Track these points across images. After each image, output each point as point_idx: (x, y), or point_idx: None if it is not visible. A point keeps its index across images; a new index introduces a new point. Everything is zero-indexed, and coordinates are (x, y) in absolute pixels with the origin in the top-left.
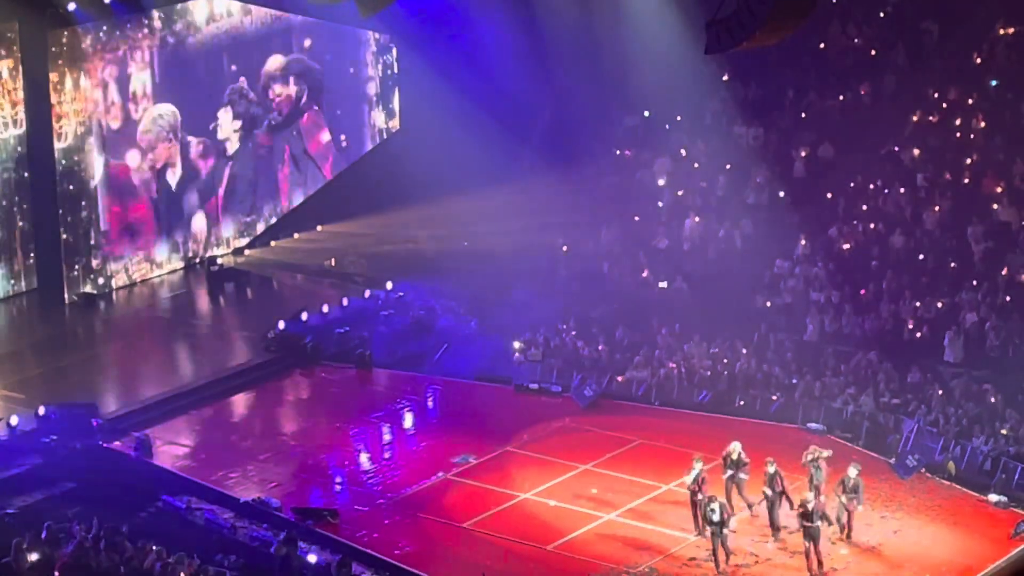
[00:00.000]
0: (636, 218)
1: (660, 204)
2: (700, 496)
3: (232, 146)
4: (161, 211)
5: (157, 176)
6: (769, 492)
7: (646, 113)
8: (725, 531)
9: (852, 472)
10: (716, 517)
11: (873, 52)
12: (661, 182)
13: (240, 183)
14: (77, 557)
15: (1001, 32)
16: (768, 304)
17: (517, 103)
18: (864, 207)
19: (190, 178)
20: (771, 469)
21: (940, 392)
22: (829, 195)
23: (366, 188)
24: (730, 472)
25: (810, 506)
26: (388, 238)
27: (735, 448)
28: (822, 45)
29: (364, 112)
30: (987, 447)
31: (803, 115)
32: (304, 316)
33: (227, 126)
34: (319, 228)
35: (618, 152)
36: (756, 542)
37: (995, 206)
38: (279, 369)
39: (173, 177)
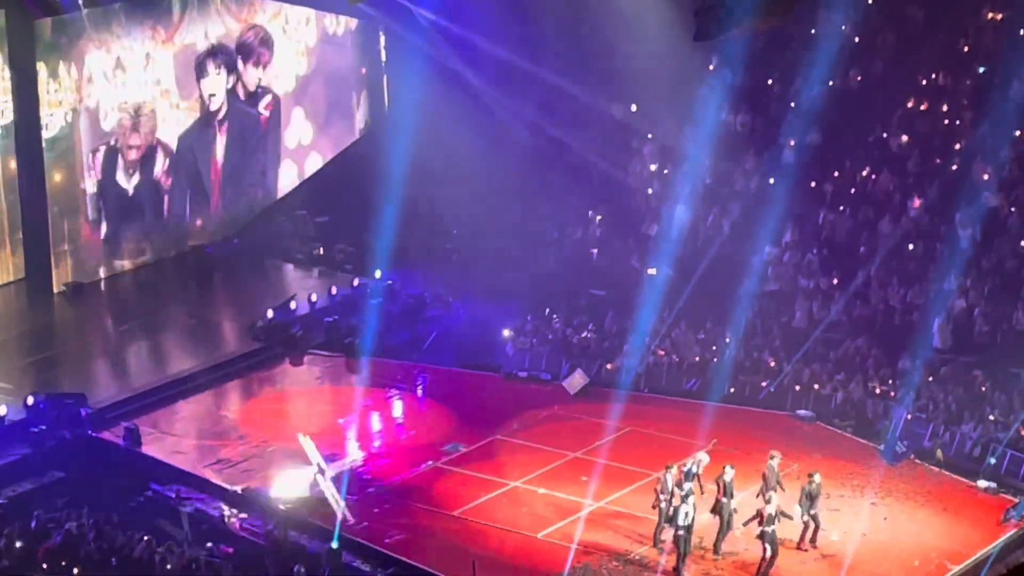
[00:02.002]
0: (624, 205)
1: (649, 191)
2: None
3: (221, 133)
4: (148, 199)
5: (144, 163)
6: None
7: (634, 108)
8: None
9: (816, 478)
10: (685, 520)
11: (859, 39)
12: (651, 167)
13: (229, 170)
14: (66, 546)
15: (988, 17)
16: (757, 291)
17: (505, 90)
18: (852, 193)
19: (178, 166)
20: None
21: (929, 378)
22: (817, 182)
23: (353, 176)
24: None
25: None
26: (377, 227)
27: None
28: (812, 31)
29: (352, 100)
30: (976, 433)
31: (791, 103)
32: (293, 305)
33: (218, 96)
34: (306, 215)
35: (606, 139)
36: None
37: (984, 192)
38: (268, 358)
39: (160, 165)
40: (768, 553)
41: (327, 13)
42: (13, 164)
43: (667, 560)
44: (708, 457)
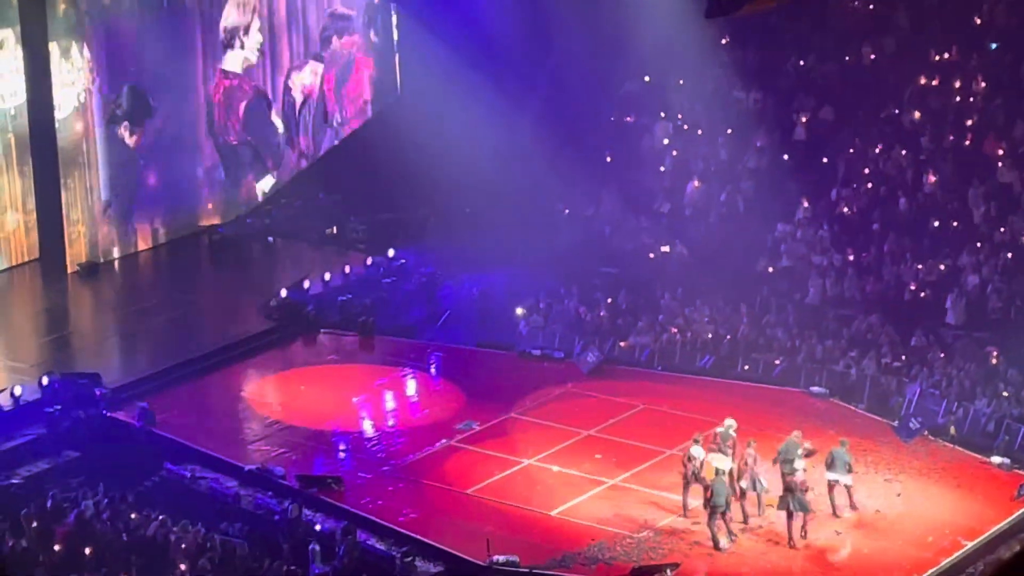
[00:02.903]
0: (637, 183)
1: (661, 169)
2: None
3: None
4: (162, 179)
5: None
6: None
7: (647, 78)
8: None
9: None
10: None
11: (872, 12)
12: (663, 144)
13: (238, 152)
14: (81, 526)
15: None
16: (770, 268)
17: (517, 68)
18: (865, 170)
19: (190, 147)
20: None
21: (942, 354)
22: (829, 159)
23: (366, 155)
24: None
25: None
26: (389, 205)
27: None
28: (820, 9)
29: (364, 79)
30: (989, 409)
31: (803, 79)
32: (306, 284)
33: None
34: (320, 196)
35: (619, 117)
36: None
37: (997, 167)
38: (282, 337)
39: (174, 146)
40: (799, 519)
41: None
42: (26, 144)
43: (683, 536)
44: (735, 422)
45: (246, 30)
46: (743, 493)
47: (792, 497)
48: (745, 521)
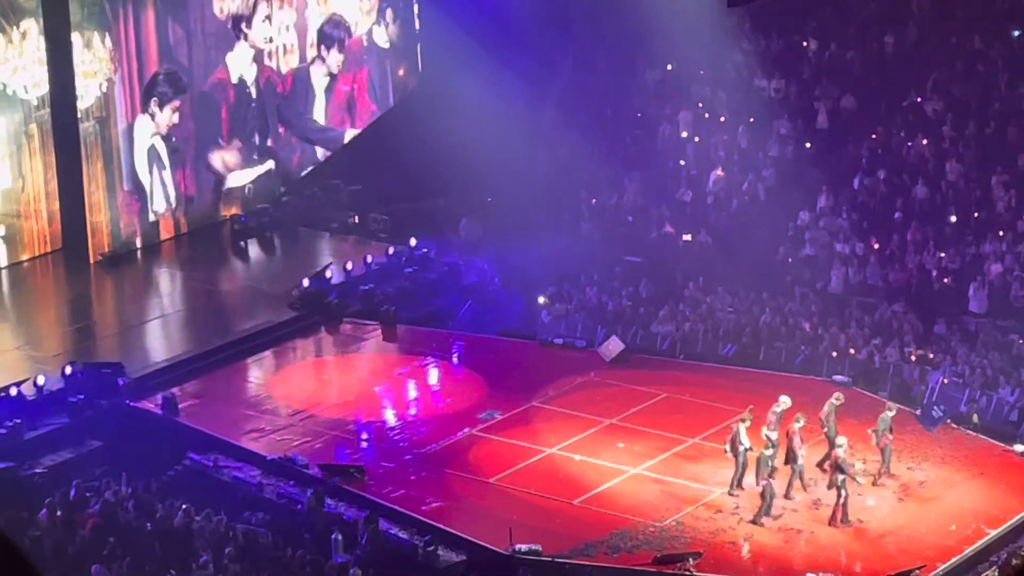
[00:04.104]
0: (660, 171)
1: (683, 159)
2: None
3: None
4: (184, 170)
5: (181, 132)
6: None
7: (669, 67)
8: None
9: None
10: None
11: (893, 2)
12: (684, 135)
13: (259, 139)
14: (105, 515)
15: None
16: (792, 257)
17: (539, 57)
18: (888, 158)
19: (209, 136)
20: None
21: (965, 343)
22: (852, 147)
23: (387, 145)
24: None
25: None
26: (410, 195)
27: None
28: None
29: (385, 68)
30: (1012, 397)
31: (825, 67)
32: (329, 273)
33: (247, 71)
34: (340, 184)
35: (641, 105)
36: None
37: (1020, 155)
38: (304, 327)
39: (193, 135)
40: (841, 498)
41: None
42: (49, 134)
43: (705, 525)
44: (789, 400)
45: (249, 21)
46: (773, 470)
47: (838, 473)
48: (786, 496)
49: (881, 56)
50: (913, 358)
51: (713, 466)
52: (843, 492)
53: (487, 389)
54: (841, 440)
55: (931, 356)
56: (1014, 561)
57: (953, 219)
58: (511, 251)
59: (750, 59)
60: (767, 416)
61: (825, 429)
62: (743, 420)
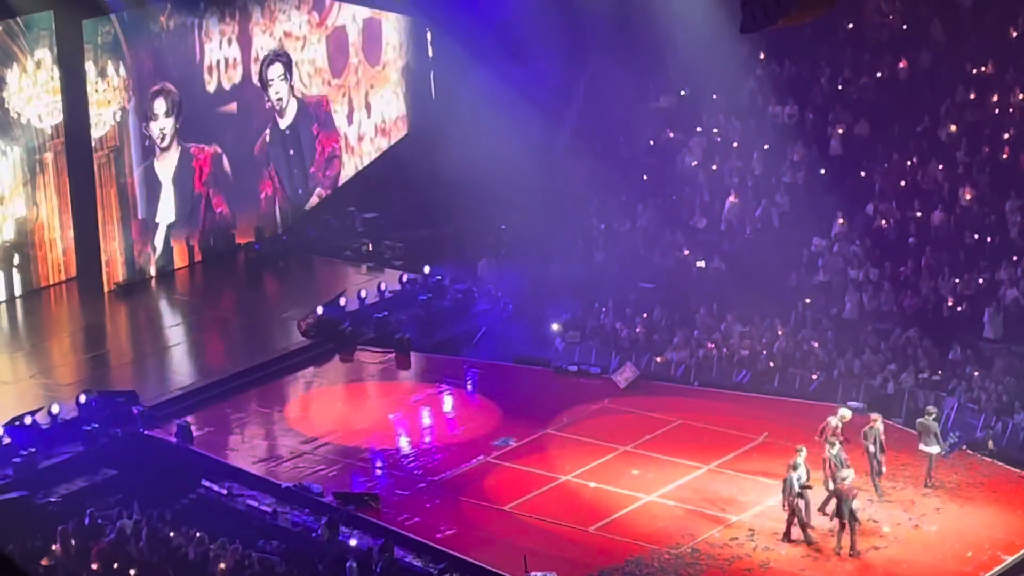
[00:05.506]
0: (673, 198)
1: (697, 184)
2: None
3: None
4: (198, 198)
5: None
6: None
7: (683, 92)
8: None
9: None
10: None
11: (908, 26)
12: (697, 162)
13: (277, 169)
14: (118, 544)
15: None
16: (805, 283)
17: (552, 84)
18: (901, 184)
19: (231, 164)
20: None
21: (980, 369)
22: (866, 173)
23: (401, 172)
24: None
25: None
26: (424, 223)
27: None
28: (855, 23)
29: (398, 96)
30: None
31: (839, 93)
32: (342, 301)
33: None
34: (354, 212)
35: (654, 131)
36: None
37: None
38: (318, 354)
39: (210, 164)
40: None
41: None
42: (63, 163)
43: (721, 552)
44: (850, 412)
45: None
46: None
47: (843, 504)
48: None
49: (895, 82)
50: (928, 383)
51: (728, 493)
52: (853, 523)
53: (501, 416)
54: (846, 473)
55: (946, 382)
56: None
57: (968, 244)
58: (524, 278)
59: (764, 85)
60: (832, 432)
61: (866, 444)
62: (800, 451)
